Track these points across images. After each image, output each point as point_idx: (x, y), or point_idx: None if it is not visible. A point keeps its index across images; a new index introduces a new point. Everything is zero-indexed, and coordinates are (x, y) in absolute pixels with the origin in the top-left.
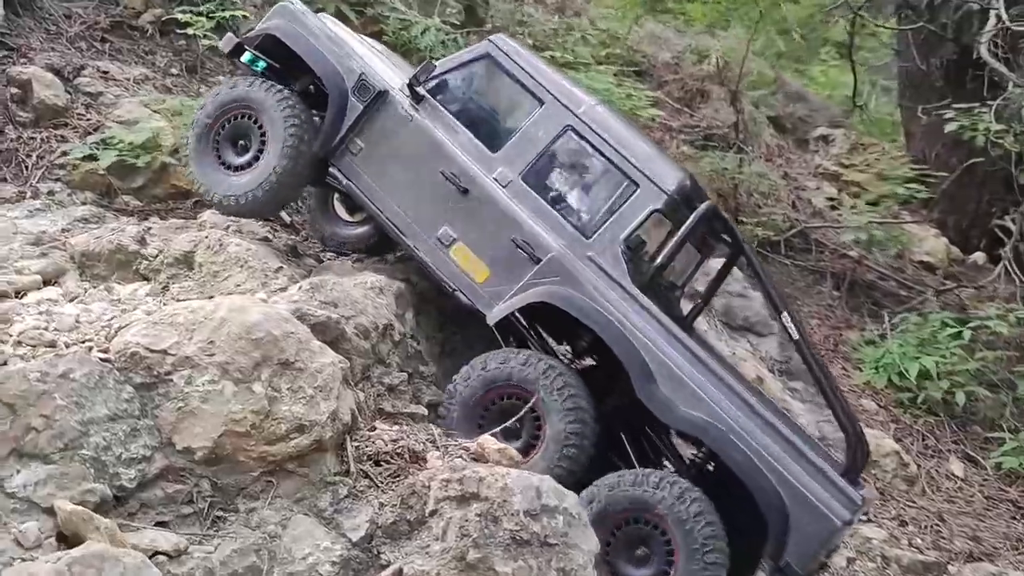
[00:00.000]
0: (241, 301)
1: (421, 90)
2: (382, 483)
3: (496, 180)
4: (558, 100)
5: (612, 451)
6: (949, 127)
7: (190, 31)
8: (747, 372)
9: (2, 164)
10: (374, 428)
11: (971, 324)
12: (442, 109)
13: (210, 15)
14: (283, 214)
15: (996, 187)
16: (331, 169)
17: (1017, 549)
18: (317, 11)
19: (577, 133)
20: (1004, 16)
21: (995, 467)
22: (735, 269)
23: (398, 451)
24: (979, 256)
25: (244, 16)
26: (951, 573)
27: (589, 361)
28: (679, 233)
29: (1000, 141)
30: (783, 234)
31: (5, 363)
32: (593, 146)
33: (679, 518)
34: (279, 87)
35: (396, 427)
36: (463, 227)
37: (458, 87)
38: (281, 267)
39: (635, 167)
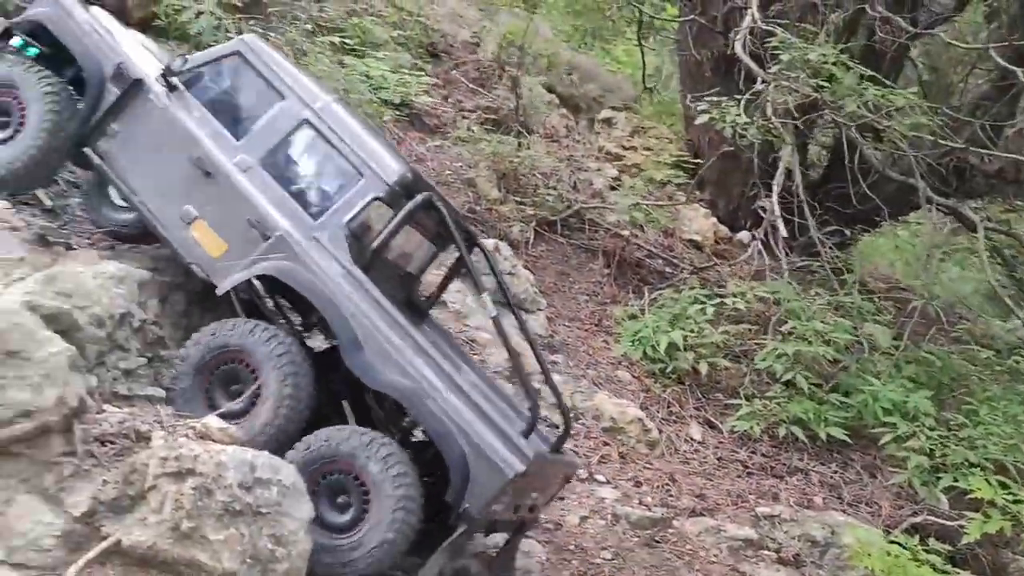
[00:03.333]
0: None
1: (175, 80)
2: (107, 462)
3: (237, 165)
4: (297, 95)
5: (337, 418)
6: (700, 119)
7: None
8: None
9: None
10: (103, 411)
11: (714, 301)
12: (193, 99)
13: None
14: (44, 198)
15: (757, 171)
16: (86, 150)
17: (736, 504)
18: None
19: (312, 126)
20: (756, 16)
21: (730, 431)
22: (505, 248)
23: (124, 432)
24: (744, 235)
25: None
26: (675, 527)
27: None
28: (395, 218)
29: (744, 133)
30: (559, 214)
31: None
32: (325, 138)
33: (378, 473)
34: (39, 67)
35: (127, 409)
36: (205, 206)
37: (209, 80)
38: (24, 257)
39: (361, 158)
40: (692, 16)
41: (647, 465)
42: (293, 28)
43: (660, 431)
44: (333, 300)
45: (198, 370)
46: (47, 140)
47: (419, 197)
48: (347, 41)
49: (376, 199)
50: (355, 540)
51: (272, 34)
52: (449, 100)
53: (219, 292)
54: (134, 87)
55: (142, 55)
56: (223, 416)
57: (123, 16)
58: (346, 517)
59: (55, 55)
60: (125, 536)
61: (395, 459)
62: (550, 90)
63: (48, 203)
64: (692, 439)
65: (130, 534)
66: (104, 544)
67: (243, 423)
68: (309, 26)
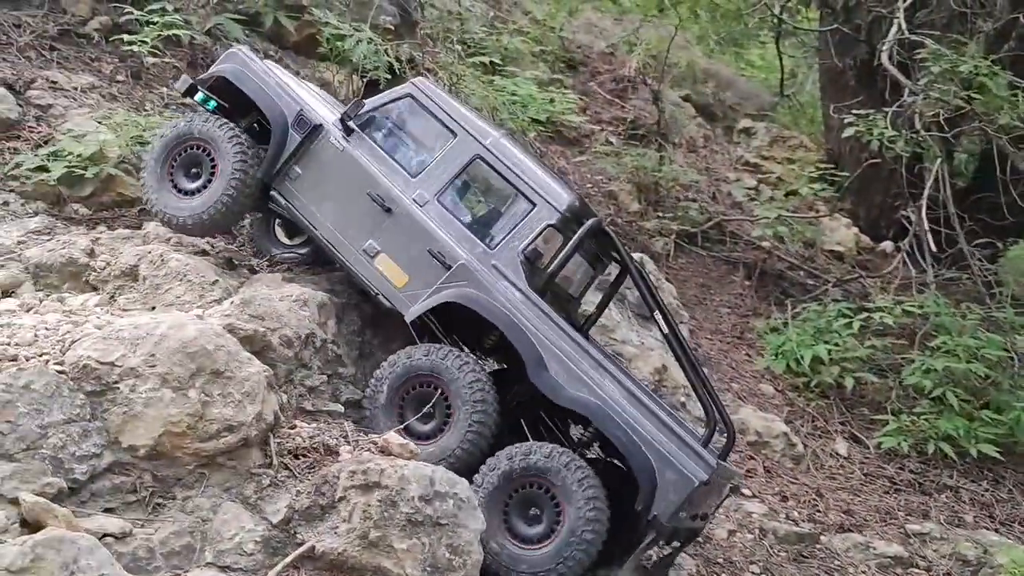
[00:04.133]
0: (180, 318)
1: (352, 124)
2: (300, 474)
3: (415, 200)
4: (468, 132)
5: (515, 436)
6: (847, 132)
7: (135, 48)
8: (653, 360)
9: None
10: (295, 426)
11: (860, 314)
12: (369, 140)
13: (150, 23)
14: None
15: (901, 180)
16: (272, 192)
17: (885, 521)
18: (257, 21)
19: (484, 161)
20: (903, 25)
21: (876, 446)
22: (648, 262)
23: (314, 446)
24: (887, 245)
25: (188, 35)
26: (822, 543)
27: (495, 365)
28: (569, 244)
29: (892, 146)
30: (700, 226)
31: None
32: (498, 172)
33: (566, 483)
34: (229, 124)
35: (314, 424)
36: (386, 240)
37: (384, 121)
38: (217, 280)
39: (532, 188)
40: (835, 24)
41: (793, 480)
42: (444, 50)
43: (805, 445)
44: (516, 323)
45: (393, 391)
46: (237, 191)
47: (590, 222)
48: (496, 62)
49: (549, 226)
50: (548, 551)
51: (421, 54)
52: (587, 112)
53: (408, 319)
54: (314, 132)
55: (316, 101)
56: (415, 437)
57: (280, 40)
58: (538, 529)
59: (230, 107)
60: (318, 543)
61: (585, 474)
62: (686, 99)
63: None
64: (838, 454)
65: (322, 541)
66: (300, 550)
67: (434, 443)
68: (459, 47)
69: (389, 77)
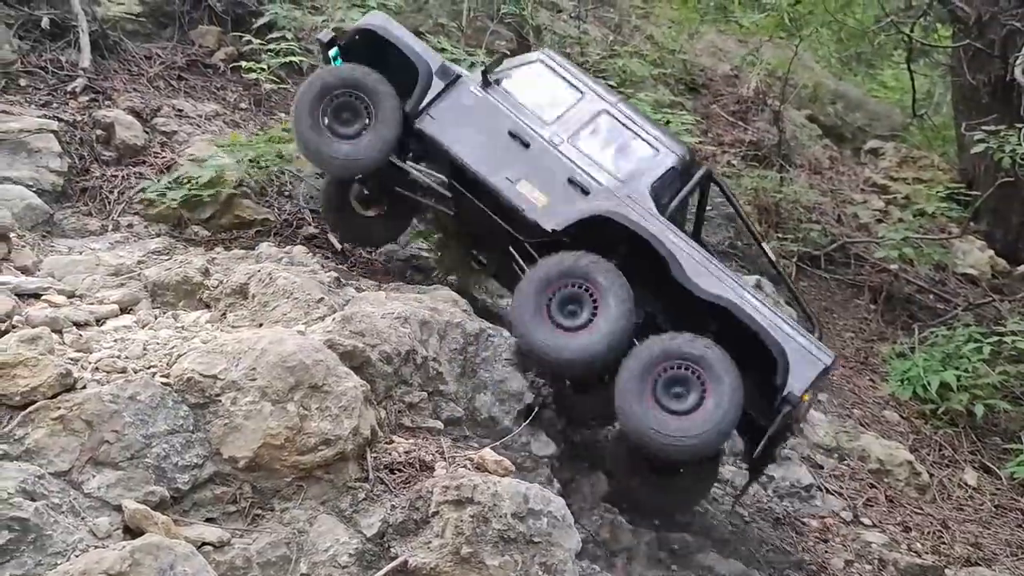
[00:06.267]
0: (280, 333)
1: (491, 77)
2: (395, 488)
3: (551, 139)
4: (595, 93)
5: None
6: (975, 148)
7: (254, 76)
8: None
9: (88, 200)
10: (391, 441)
11: (991, 339)
12: (507, 90)
13: (271, 51)
14: (335, 241)
15: None
16: (417, 127)
17: (1017, 556)
18: None
19: (610, 115)
20: None
21: (1009, 476)
22: (767, 284)
23: (410, 461)
24: None
25: (307, 63)
26: None
27: None
28: (683, 190)
29: None
30: (823, 249)
31: (85, 387)
32: (623, 124)
33: (709, 363)
34: (377, 72)
35: (412, 440)
36: (527, 170)
37: (517, 79)
38: (322, 298)
39: (655, 138)
40: (967, 40)
41: (917, 510)
42: None
43: (931, 475)
44: (655, 234)
45: (541, 289)
46: (395, 130)
47: (704, 170)
48: (610, 83)
49: (672, 168)
50: (697, 420)
51: None
52: (709, 134)
53: (556, 228)
54: (456, 80)
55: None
56: (559, 326)
57: None
58: (684, 404)
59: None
60: (411, 557)
61: (725, 356)
62: (812, 120)
63: (338, 246)
64: (966, 484)
65: (415, 556)
66: (393, 564)
67: (585, 332)
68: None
69: None
